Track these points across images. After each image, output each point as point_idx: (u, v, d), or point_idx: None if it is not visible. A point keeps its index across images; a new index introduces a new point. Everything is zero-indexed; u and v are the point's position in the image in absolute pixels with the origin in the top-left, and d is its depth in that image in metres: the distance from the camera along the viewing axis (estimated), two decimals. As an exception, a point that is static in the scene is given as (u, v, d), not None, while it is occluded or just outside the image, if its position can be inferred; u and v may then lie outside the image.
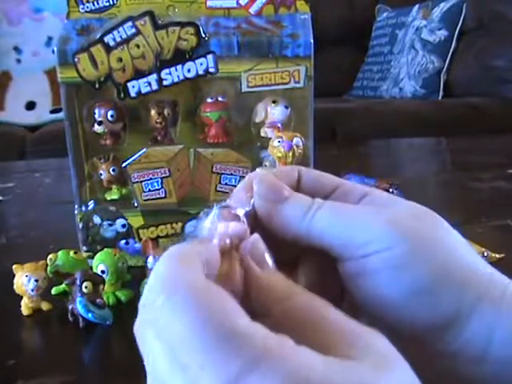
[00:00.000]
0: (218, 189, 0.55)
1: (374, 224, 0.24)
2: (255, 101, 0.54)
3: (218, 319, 0.18)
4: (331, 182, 0.27)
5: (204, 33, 0.52)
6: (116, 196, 0.57)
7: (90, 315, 0.43)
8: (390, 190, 0.61)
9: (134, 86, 0.53)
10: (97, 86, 0.53)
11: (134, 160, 0.55)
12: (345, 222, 0.24)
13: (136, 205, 0.56)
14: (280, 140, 0.51)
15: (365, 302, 0.24)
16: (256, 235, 0.23)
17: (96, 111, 0.54)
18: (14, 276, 0.47)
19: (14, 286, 0.47)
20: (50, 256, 0.49)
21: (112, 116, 0.54)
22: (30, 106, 1.98)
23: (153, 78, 0.53)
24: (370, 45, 2.41)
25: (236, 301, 0.19)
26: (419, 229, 0.24)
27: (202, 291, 0.19)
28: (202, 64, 0.52)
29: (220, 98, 0.54)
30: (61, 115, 0.56)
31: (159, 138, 0.55)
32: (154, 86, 0.53)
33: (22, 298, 0.47)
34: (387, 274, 0.23)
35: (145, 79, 0.53)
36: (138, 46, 0.52)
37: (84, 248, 0.56)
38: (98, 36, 0.52)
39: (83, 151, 0.55)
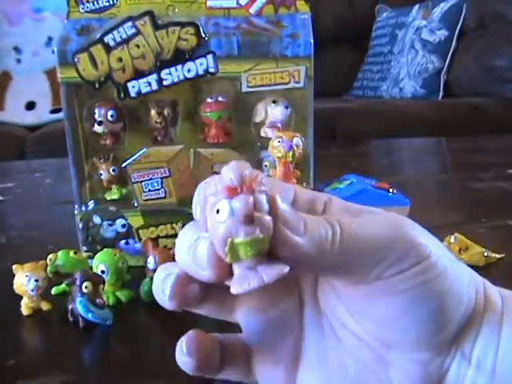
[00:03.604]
0: (218, 189, 0.55)
1: (398, 243, 0.22)
2: (255, 101, 0.54)
3: None
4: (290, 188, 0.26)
5: (204, 33, 0.52)
6: (116, 196, 0.57)
7: (90, 315, 0.43)
8: (390, 189, 0.61)
9: (134, 86, 0.53)
10: (97, 85, 0.53)
11: (134, 160, 0.55)
12: (369, 245, 0.22)
13: (136, 205, 0.56)
14: (280, 140, 0.50)
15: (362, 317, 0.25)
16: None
17: (96, 111, 0.54)
18: (13, 276, 0.47)
19: (14, 286, 0.47)
20: (50, 256, 0.49)
21: (112, 116, 0.54)
22: (30, 105, 1.98)
23: (153, 78, 0.53)
24: (370, 45, 2.41)
25: None
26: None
27: None
28: (201, 64, 0.52)
29: (220, 98, 0.54)
30: (61, 115, 0.56)
31: (159, 137, 0.55)
32: (154, 86, 0.53)
33: (21, 297, 0.47)
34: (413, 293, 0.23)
35: (145, 79, 0.53)
36: (137, 46, 0.52)
37: (84, 248, 0.56)
38: (97, 36, 0.52)
39: (83, 151, 0.55)
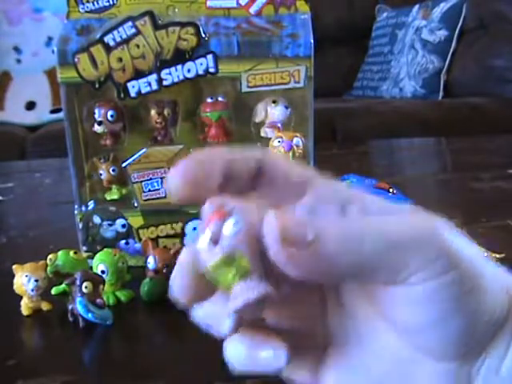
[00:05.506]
0: (217, 189, 0.55)
1: (425, 247, 0.21)
2: (255, 101, 0.54)
3: None
4: (302, 174, 0.24)
5: (204, 33, 0.52)
6: (116, 196, 0.57)
7: (90, 315, 0.43)
8: (390, 189, 0.61)
9: (133, 86, 0.53)
10: (97, 85, 0.53)
11: (134, 160, 0.55)
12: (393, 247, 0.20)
13: (136, 205, 0.56)
14: (280, 140, 0.51)
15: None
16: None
17: (96, 111, 0.54)
18: (13, 276, 0.47)
19: (14, 286, 0.47)
20: (50, 256, 0.49)
21: (112, 116, 0.54)
22: (30, 105, 1.98)
23: (153, 78, 0.53)
24: (370, 45, 2.41)
25: None
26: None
27: None
28: (201, 64, 0.52)
29: (220, 98, 0.55)
30: (61, 115, 0.56)
31: (159, 137, 0.55)
32: (154, 86, 0.53)
33: (21, 298, 0.47)
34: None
35: (145, 79, 0.53)
36: (137, 46, 0.52)
37: (84, 248, 0.56)
38: (97, 36, 0.52)
39: (83, 151, 0.55)
